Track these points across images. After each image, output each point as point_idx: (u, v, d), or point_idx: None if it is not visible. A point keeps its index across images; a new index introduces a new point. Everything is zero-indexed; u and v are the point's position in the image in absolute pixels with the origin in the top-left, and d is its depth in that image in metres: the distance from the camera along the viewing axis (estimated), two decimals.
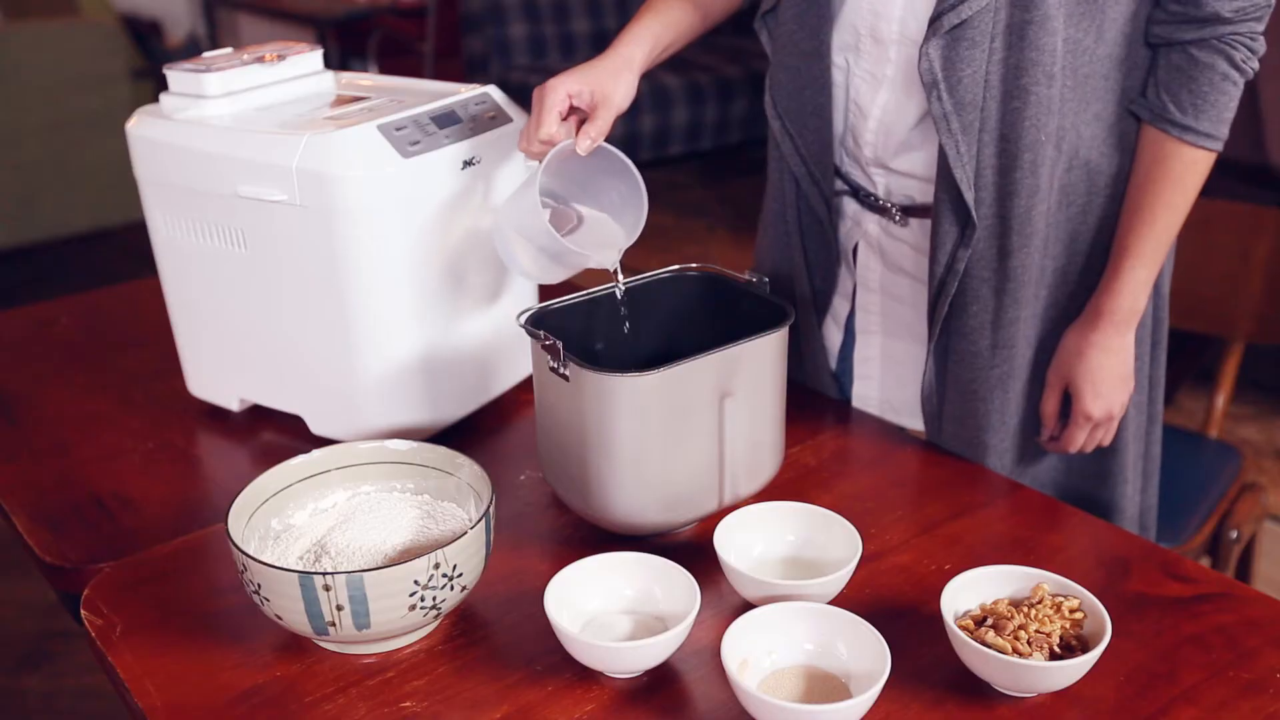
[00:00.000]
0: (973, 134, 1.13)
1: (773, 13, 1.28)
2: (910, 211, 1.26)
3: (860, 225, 1.32)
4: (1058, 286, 1.23)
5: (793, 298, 1.38)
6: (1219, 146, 1.15)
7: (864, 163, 1.27)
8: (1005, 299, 1.20)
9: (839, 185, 1.30)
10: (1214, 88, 1.12)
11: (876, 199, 1.27)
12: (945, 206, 1.18)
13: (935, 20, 1.11)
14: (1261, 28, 1.12)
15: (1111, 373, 1.21)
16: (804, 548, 1.05)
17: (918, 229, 1.27)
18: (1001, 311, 1.20)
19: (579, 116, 1.19)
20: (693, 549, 1.10)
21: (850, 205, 1.32)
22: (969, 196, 1.15)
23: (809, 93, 1.26)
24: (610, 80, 1.19)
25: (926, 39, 1.12)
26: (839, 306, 1.39)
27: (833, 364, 1.42)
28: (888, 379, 1.37)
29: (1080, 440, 1.25)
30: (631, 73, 1.22)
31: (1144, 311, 1.23)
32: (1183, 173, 1.16)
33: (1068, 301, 1.24)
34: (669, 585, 0.97)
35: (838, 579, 0.98)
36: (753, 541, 1.05)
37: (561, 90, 1.16)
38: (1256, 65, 1.13)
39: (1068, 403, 1.26)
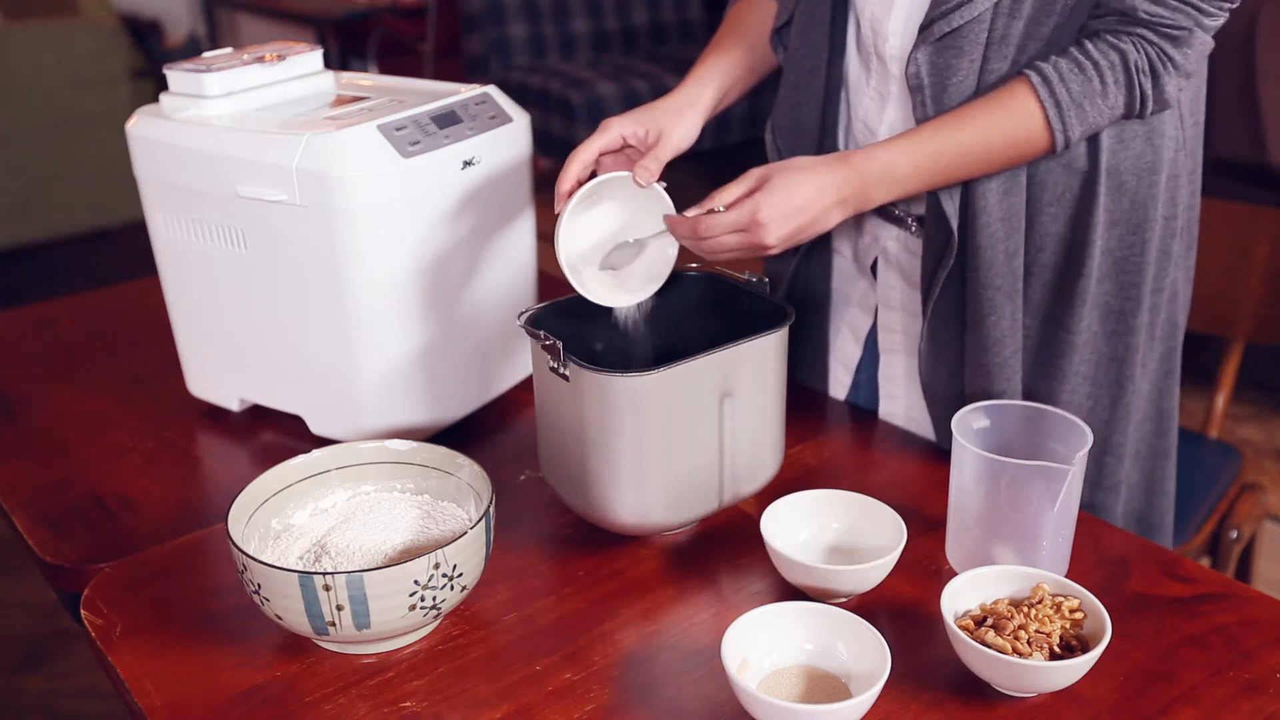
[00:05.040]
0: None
1: (786, 29, 1.29)
2: (924, 223, 1.25)
3: (878, 241, 1.30)
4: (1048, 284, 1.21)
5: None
6: (1057, 148, 1.10)
7: None
8: (1019, 300, 1.19)
9: None
10: (1092, 87, 1.08)
11: (893, 209, 1.26)
12: (931, 212, 1.18)
13: (925, 28, 1.11)
14: (1178, 54, 1.08)
15: (801, 198, 1.08)
16: (848, 535, 1.07)
17: None
18: (1016, 315, 1.19)
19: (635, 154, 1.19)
20: (693, 548, 1.11)
21: (869, 219, 1.30)
22: (949, 207, 1.15)
23: (803, 109, 1.27)
24: (671, 119, 1.20)
25: (916, 45, 1.12)
26: (859, 321, 1.38)
27: (847, 379, 1.40)
28: (914, 399, 1.34)
29: (711, 223, 1.09)
30: (695, 112, 1.22)
31: (1137, 313, 1.20)
32: (1017, 128, 1.09)
33: (1051, 297, 1.21)
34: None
35: (883, 565, 0.99)
36: (798, 528, 1.07)
37: (614, 130, 1.17)
38: (1161, 97, 1.09)
39: None
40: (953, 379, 1.26)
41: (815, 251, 1.36)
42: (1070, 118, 1.09)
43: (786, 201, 1.08)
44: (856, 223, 1.32)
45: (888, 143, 1.12)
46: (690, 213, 1.11)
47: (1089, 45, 1.09)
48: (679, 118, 1.21)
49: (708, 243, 1.10)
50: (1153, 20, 1.07)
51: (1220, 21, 1.09)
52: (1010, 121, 1.09)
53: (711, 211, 1.09)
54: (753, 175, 1.11)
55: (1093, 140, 1.13)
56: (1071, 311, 1.19)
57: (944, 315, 1.23)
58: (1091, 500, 1.28)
